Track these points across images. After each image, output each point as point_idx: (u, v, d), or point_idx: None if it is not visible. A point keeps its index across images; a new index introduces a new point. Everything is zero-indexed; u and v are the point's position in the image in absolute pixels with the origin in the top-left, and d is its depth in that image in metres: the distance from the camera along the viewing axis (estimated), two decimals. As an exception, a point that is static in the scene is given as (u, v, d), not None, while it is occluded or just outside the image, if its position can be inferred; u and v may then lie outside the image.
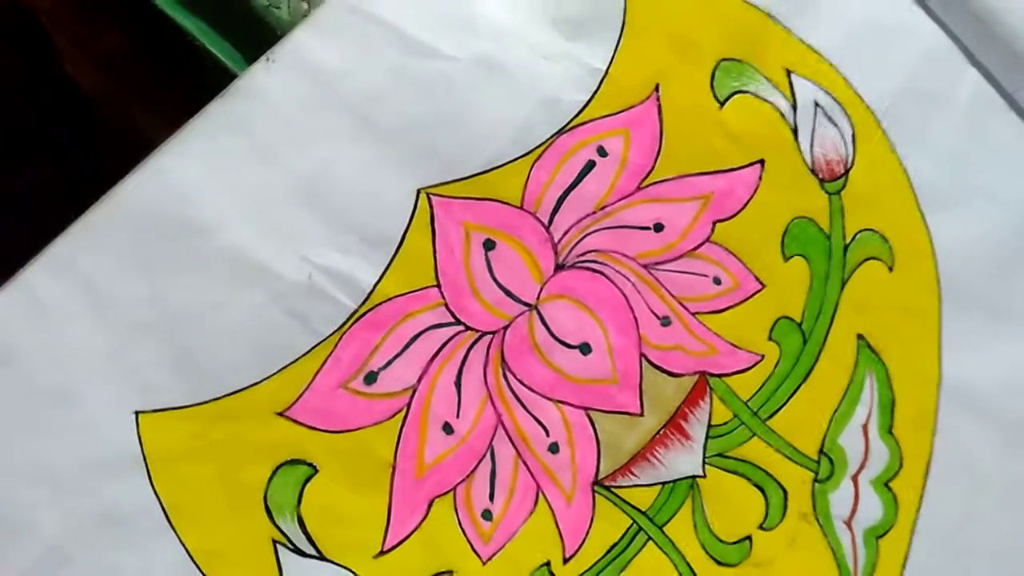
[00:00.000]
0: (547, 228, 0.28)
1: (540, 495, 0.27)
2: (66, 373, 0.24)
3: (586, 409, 0.28)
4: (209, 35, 0.38)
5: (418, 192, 0.27)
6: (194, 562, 0.25)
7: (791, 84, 0.30)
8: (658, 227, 0.29)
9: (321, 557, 0.26)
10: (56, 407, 0.24)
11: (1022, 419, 0.31)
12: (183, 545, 0.25)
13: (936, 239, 0.31)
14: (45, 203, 0.38)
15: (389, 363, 0.26)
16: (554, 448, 0.27)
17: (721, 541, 0.28)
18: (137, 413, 0.25)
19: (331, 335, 0.26)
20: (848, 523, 0.29)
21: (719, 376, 0.29)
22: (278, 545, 0.25)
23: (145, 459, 0.25)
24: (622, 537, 0.28)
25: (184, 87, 0.57)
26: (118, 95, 0.57)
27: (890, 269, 0.30)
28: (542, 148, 0.28)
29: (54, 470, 0.24)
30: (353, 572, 0.26)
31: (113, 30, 0.57)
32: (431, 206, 0.27)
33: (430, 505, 0.26)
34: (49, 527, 0.24)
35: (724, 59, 0.29)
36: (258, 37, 0.35)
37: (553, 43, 0.28)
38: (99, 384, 0.25)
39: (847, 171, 0.30)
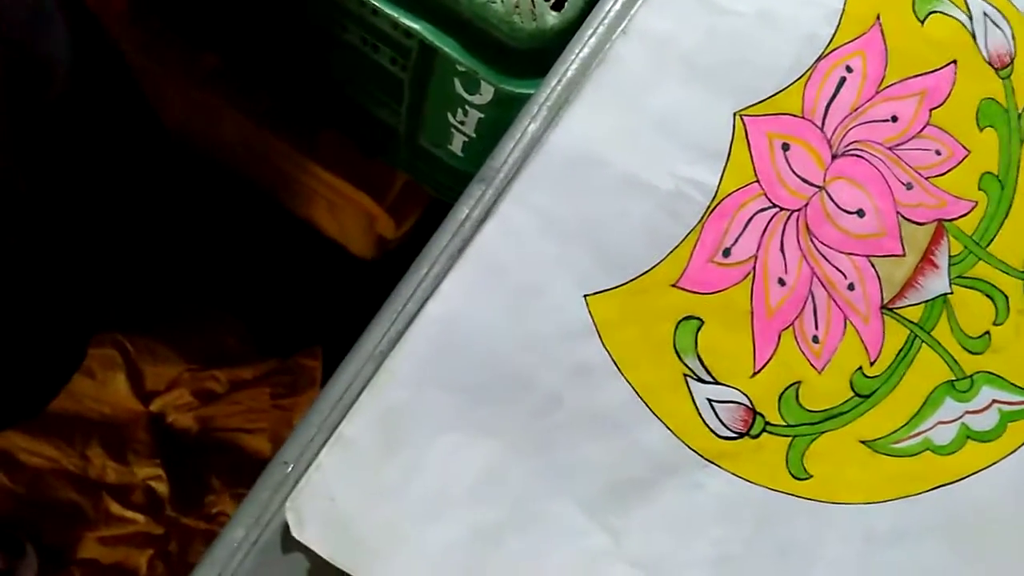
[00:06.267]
0: (821, 129, 0.38)
1: (847, 321, 0.38)
2: (535, 274, 0.34)
3: (867, 256, 0.38)
4: (438, 35, 0.46)
5: (734, 115, 0.37)
6: (637, 394, 0.35)
7: (966, 2, 0.40)
8: (894, 119, 0.39)
9: (716, 382, 0.36)
10: (534, 298, 0.34)
11: None
12: (629, 384, 0.35)
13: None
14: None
15: (736, 240, 0.36)
16: (851, 287, 0.38)
17: (970, 337, 0.39)
18: (585, 296, 0.35)
19: (696, 225, 0.36)
20: (1050, 310, 0.40)
21: (950, 220, 0.39)
22: (687, 377, 0.36)
23: (596, 327, 0.35)
24: (905, 343, 0.38)
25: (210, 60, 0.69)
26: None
27: (1050, 128, 0.41)
28: (808, 72, 0.38)
29: (541, 340, 0.34)
30: (739, 389, 0.36)
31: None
32: (744, 124, 0.37)
33: (779, 337, 0.37)
34: (545, 379, 0.34)
35: (919, -11, 0.40)
36: (480, 31, 0.43)
37: (807, -7, 0.38)
38: (556, 279, 0.34)
39: (1012, 60, 0.41)
